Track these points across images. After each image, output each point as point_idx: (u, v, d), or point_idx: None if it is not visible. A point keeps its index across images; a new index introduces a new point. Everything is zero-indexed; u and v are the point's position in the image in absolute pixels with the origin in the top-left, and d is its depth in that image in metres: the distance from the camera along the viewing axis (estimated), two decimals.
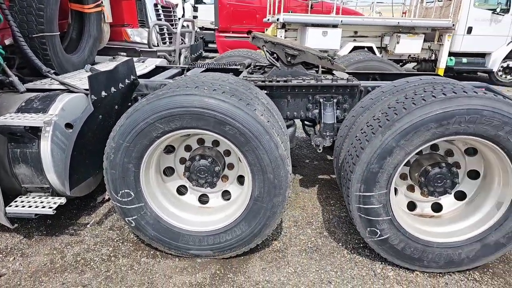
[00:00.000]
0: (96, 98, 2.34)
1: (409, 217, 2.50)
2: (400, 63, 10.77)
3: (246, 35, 13.09)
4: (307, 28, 9.01)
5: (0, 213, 2.28)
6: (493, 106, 2.01)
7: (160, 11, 7.65)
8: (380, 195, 2.23)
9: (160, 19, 7.59)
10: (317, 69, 3.25)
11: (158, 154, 2.44)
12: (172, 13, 8.22)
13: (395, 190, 2.61)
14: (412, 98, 2.15)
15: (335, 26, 9.10)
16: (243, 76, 3.04)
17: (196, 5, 16.77)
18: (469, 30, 9.39)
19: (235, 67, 3.63)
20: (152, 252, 2.55)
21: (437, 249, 2.32)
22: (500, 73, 10.16)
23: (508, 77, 10.17)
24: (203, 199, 2.67)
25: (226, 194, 2.68)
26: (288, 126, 3.14)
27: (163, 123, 2.13)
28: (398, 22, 9.20)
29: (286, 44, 2.95)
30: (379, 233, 2.31)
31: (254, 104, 2.21)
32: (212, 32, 13.88)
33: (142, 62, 4.17)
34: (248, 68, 3.52)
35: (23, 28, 2.90)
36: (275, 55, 3.08)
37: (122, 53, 4.43)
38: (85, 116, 2.29)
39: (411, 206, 2.64)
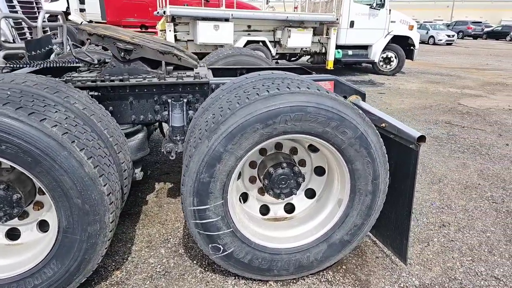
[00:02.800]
0: None
1: (260, 224, 2.32)
2: (294, 57, 11.13)
3: (140, 29, 12.21)
4: (197, 22, 8.62)
5: None
6: (317, 102, 1.88)
7: (15, 2, 6.49)
8: (216, 207, 1.97)
9: (16, 12, 6.45)
10: (177, 63, 2.86)
11: None
12: (34, 5, 7.06)
13: (246, 194, 2.40)
14: (239, 97, 1.93)
15: (227, 20, 8.89)
16: (67, 76, 2.52)
17: None
18: (352, 24, 10.06)
19: (75, 65, 3.07)
20: None
21: (285, 255, 2.17)
22: (381, 63, 11.16)
23: (388, 66, 11.24)
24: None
25: (44, 226, 2.16)
26: (136, 132, 2.73)
27: None
28: (287, 17, 9.39)
29: (117, 37, 2.52)
30: (222, 248, 2.07)
31: (47, 112, 1.75)
32: None
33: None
34: (92, 66, 3.00)
35: None
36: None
37: None
38: None
39: (265, 209, 2.47)
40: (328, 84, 2.93)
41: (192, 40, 9.16)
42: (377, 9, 10.19)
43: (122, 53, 2.55)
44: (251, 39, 9.38)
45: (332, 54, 10.12)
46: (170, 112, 2.66)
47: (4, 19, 5.56)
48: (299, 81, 2.19)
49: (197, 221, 1.99)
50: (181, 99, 2.69)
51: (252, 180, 2.38)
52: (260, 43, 9.57)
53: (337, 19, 9.84)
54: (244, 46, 9.25)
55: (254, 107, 1.84)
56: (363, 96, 2.97)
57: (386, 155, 2.08)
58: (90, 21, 14.30)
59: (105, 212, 1.86)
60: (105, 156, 1.94)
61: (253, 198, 2.41)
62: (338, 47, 10.22)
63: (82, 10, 14.79)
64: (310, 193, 2.47)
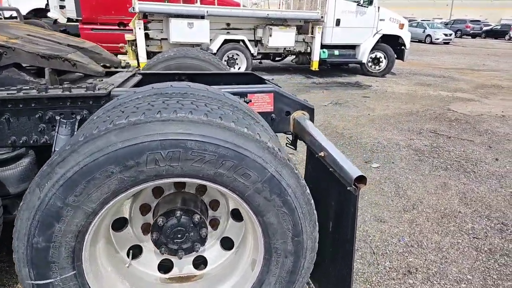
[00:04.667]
0: None
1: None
2: (279, 57, 10.54)
3: (117, 27, 11.59)
4: (170, 20, 8.03)
5: None
6: (201, 133, 1.30)
7: None
8: (64, 281, 1.39)
9: None
10: (72, 70, 2.29)
11: None
12: None
13: (139, 247, 1.82)
14: (97, 127, 1.34)
15: (202, 17, 8.30)
16: None
17: None
18: (338, 22, 9.46)
19: None
20: None
21: None
22: (369, 64, 10.56)
23: (377, 67, 10.65)
24: None
25: None
26: (17, 157, 2.16)
27: None
28: (268, 14, 8.80)
29: None
30: None
31: None
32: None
33: None
34: None
35: None
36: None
37: None
38: None
39: (167, 265, 1.89)
40: (267, 97, 2.35)
41: (166, 39, 8.57)
42: (365, 6, 9.60)
43: None
44: (229, 38, 8.79)
45: (317, 54, 9.53)
46: (56, 133, 2.08)
47: None
48: (206, 98, 1.62)
49: None
50: (73, 115, 2.11)
51: (147, 228, 1.80)
52: (240, 42, 8.99)
53: (322, 17, 9.25)
54: (222, 45, 8.68)
55: (106, 140, 1.26)
56: (311, 112, 2.40)
57: (312, 202, 1.50)
58: (69, 19, 13.74)
59: None
60: None
61: (149, 252, 1.83)
62: (323, 46, 9.62)
63: (62, 7, 14.20)
64: (228, 243, 1.89)
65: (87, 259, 1.42)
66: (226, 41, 8.70)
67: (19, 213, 1.32)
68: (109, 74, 2.80)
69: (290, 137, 2.55)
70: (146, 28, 8.37)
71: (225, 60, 8.95)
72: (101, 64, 2.70)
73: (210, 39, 8.57)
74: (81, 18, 11.28)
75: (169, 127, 1.28)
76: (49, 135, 2.14)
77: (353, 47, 10.16)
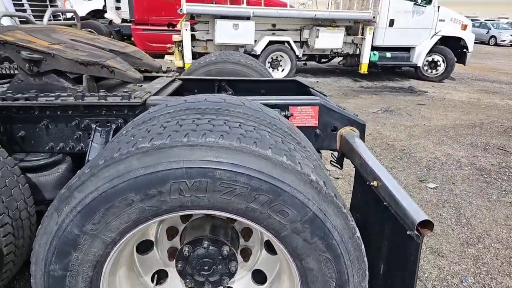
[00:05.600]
0: None
1: None
2: (325, 59, 10.15)
3: (166, 27, 11.89)
4: (215, 21, 8.02)
5: None
6: (232, 161, 1.11)
7: (24, 1, 6.29)
8: None
9: (24, 10, 6.25)
10: (110, 77, 2.23)
11: None
12: (47, 3, 6.85)
13: (165, 272, 1.68)
14: (119, 148, 1.20)
15: (248, 18, 8.19)
16: None
17: None
18: (391, 22, 8.87)
19: None
20: None
21: None
22: (425, 68, 9.82)
23: (434, 71, 9.86)
24: None
25: None
26: (54, 163, 2.13)
27: None
28: (315, 15, 8.46)
29: (22, 44, 1.91)
30: None
31: None
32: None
33: None
34: None
35: None
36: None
37: None
38: None
39: None
40: (311, 110, 2.12)
41: (212, 40, 8.59)
42: (423, 5, 8.90)
43: (28, 65, 1.95)
44: (274, 39, 8.59)
45: (366, 57, 9.01)
46: (90, 141, 2.02)
47: (8, 17, 5.33)
48: (242, 116, 1.45)
49: None
50: (109, 124, 2.04)
51: (173, 253, 1.66)
52: (286, 44, 8.75)
53: (373, 17, 8.73)
54: (266, 46, 8.51)
55: (127, 165, 1.12)
56: (361, 128, 2.14)
57: (362, 248, 1.26)
58: (123, 20, 14.39)
59: None
60: None
61: (175, 278, 1.68)
62: (374, 48, 9.08)
63: (117, 9, 14.91)
64: (260, 277, 1.70)
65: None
66: (270, 43, 8.52)
67: (37, 236, 1.23)
68: (149, 79, 2.74)
69: (336, 153, 2.31)
70: (192, 29, 8.45)
71: (268, 62, 8.77)
72: (142, 68, 2.63)
73: (255, 40, 8.44)
74: (133, 19, 11.75)
75: (197, 153, 1.11)
76: (84, 143, 2.10)
77: (407, 49, 9.48)
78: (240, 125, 1.28)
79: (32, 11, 6.36)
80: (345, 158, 2.23)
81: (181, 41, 8.36)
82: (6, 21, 4.94)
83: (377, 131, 5.36)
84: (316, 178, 1.18)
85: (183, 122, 1.26)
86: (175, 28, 11.66)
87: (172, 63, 9.02)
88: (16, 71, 2.17)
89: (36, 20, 4.94)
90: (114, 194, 1.12)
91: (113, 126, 2.04)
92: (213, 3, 9.65)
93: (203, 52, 8.20)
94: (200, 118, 1.30)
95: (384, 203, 1.41)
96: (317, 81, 9.33)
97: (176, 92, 2.63)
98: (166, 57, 9.28)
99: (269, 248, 1.64)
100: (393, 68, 10.47)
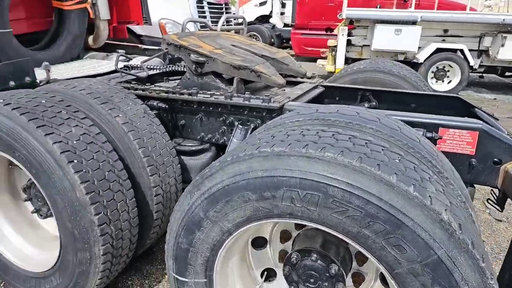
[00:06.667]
0: None
1: None
2: (510, 72, 8.31)
3: (324, 32, 12.07)
4: (375, 25, 7.64)
5: None
6: (349, 181, 1.05)
7: (205, 8, 7.47)
8: (196, 285, 1.46)
9: (204, 17, 7.43)
10: (257, 81, 2.45)
11: None
12: (223, 10, 7.96)
13: (274, 272, 1.73)
14: (245, 149, 1.30)
15: (414, 23, 7.47)
16: (132, 85, 2.48)
17: (284, 1, 16.26)
18: None
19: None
20: None
21: None
22: None
23: None
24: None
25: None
26: (202, 151, 2.49)
27: None
28: (504, 19, 6.99)
29: (193, 48, 2.28)
30: None
31: (59, 127, 1.69)
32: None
33: (127, 60, 3.93)
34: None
35: None
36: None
37: (120, 50, 4.31)
38: None
39: None
40: (468, 135, 1.78)
41: (368, 46, 8.24)
42: None
43: (194, 66, 2.32)
44: (443, 46, 7.56)
45: None
46: (232, 137, 2.26)
47: (192, 22, 6.46)
48: (373, 133, 1.35)
49: None
50: (249, 123, 2.23)
51: (283, 256, 1.69)
52: (458, 52, 7.59)
53: None
54: (432, 54, 7.58)
55: (248, 165, 1.20)
56: None
57: None
58: (285, 24, 15.38)
59: (95, 243, 1.68)
60: (113, 182, 1.74)
61: (282, 280, 1.72)
62: None
63: (282, 14, 16.05)
64: None
65: (218, 271, 1.44)
66: (438, 50, 7.54)
67: (174, 211, 1.46)
68: (293, 84, 2.85)
69: (497, 192, 1.88)
70: (349, 34, 8.30)
71: (432, 72, 7.80)
72: (288, 74, 2.76)
73: (419, 47, 7.63)
74: (294, 24, 12.40)
75: (313, 166, 1.10)
76: (227, 137, 2.36)
77: None
78: (366, 143, 1.19)
79: (211, 17, 7.50)
80: (508, 199, 1.81)
81: (336, 46, 8.34)
82: (190, 26, 6.00)
83: None
84: (449, 218, 0.99)
85: (307, 133, 1.26)
86: (332, 33, 11.74)
87: (323, 68, 9.13)
88: (185, 70, 2.59)
89: (212, 25, 5.80)
90: (234, 189, 1.23)
91: (252, 126, 2.22)
92: (377, 7, 9.25)
93: (357, 58, 7.96)
94: (325, 131, 1.28)
95: None
96: (494, 98, 7.76)
97: (316, 99, 2.65)
98: (319, 61, 9.44)
99: (384, 280, 1.48)
100: None
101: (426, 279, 1.02)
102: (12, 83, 2.48)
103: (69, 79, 2.63)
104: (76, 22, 3.89)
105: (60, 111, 1.77)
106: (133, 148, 1.95)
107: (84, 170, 1.64)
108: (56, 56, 3.75)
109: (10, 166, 2.18)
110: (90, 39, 4.24)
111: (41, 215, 2.14)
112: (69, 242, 1.72)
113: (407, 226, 1.00)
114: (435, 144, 1.81)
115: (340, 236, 1.14)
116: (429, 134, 1.77)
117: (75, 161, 1.63)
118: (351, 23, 8.32)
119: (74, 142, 1.68)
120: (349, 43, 8.37)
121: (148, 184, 1.97)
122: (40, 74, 2.76)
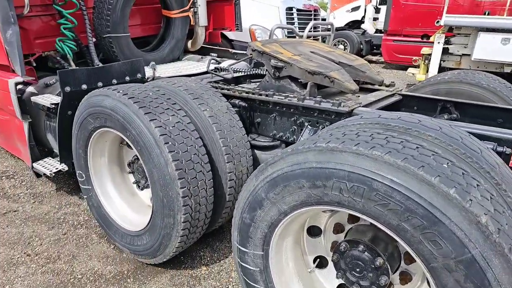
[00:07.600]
0: (69, 90, 2.58)
1: None
2: None
3: (418, 39, 11.35)
4: (478, 34, 7.00)
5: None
6: (392, 177, 1.17)
7: (294, 15, 7.74)
8: (255, 256, 1.71)
9: (293, 23, 7.70)
10: (330, 86, 2.60)
11: None
12: (311, 16, 8.14)
13: (326, 260, 1.88)
14: (304, 143, 1.50)
15: None
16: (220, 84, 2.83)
17: (379, 7, 15.68)
18: None
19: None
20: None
21: None
22: None
23: None
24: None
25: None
26: (273, 147, 2.73)
27: None
28: None
29: (273, 54, 2.53)
30: None
31: (163, 114, 2.09)
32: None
33: (217, 63, 4.41)
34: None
35: (98, 30, 3.72)
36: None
37: (213, 54, 4.84)
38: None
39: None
40: None
41: (468, 55, 7.56)
42: None
43: (273, 70, 2.57)
44: None
45: None
46: (300, 136, 2.45)
47: (280, 28, 6.80)
48: (429, 139, 1.42)
49: (238, 260, 1.80)
50: (318, 125, 2.40)
51: (334, 246, 1.83)
52: None
53: None
54: None
55: (304, 157, 1.39)
56: None
57: None
58: (377, 30, 14.81)
59: (178, 211, 2.05)
60: (196, 163, 2.10)
61: (333, 269, 1.85)
62: None
63: (375, 19, 15.50)
64: None
65: (274, 248, 1.65)
66: None
67: (242, 190, 1.72)
68: (369, 91, 2.91)
69: None
70: (447, 43, 7.72)
71: None
72: (365, 81, 2.84)
73: None
74: (386, 29, 11.92)
75: (361, 162, 1.24)
76: (296, 136, 2.55)
77: None
78: (417, 147, 1.28)
79: (299, 23, 7.75)
80: None
81: (430, 54, 7.85)
82: (278, 32, 6.33)
83: None
84: (487, 222, 1.05)
85: (362, 134, 1.40)
86: (428, 40, 10.98)
87: (413, 76, 8.65)
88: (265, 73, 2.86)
89: (300, 31, 6.04)
90: (291, 176, 1.43)
91: (320, 127, 2.38)
92: (485, 14, 8.45)
93: (453, 68, 7.38)
94: (380, 133, 1.39)
95: None
96: None
97: (391, 107, 2.67)
98: (409, 69, 8.97)
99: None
100: None
101: (459, 276, 1.08)
102: (127, 78, 3.06)
103: (170, 77, 3.14)
104: (180, 28, 4.50)
105: (162, 102, 2.19)
106: (215, 138, 2.28)
107: (175, 151, 2.02)
108: (161, 57, 4.39)
109: (121, 144, 2.72)
110: (189, 43, 4.84)
111: (139, 186, 2.63)
112: (159, 208, 2.13)
113: (444, 224, 1.08)
114: (509, 159, 1.75)
115: (382, 227, 1.26)
116: (500, 149, 1.72)
117: (170, 143, 2.02)
118: (450, 30, 7.74)
119: (170, 128, 2.08)
120: (446, 51, 7.80)
121: (224, 170, 2.29)
122: (148, 71, 3.31)
